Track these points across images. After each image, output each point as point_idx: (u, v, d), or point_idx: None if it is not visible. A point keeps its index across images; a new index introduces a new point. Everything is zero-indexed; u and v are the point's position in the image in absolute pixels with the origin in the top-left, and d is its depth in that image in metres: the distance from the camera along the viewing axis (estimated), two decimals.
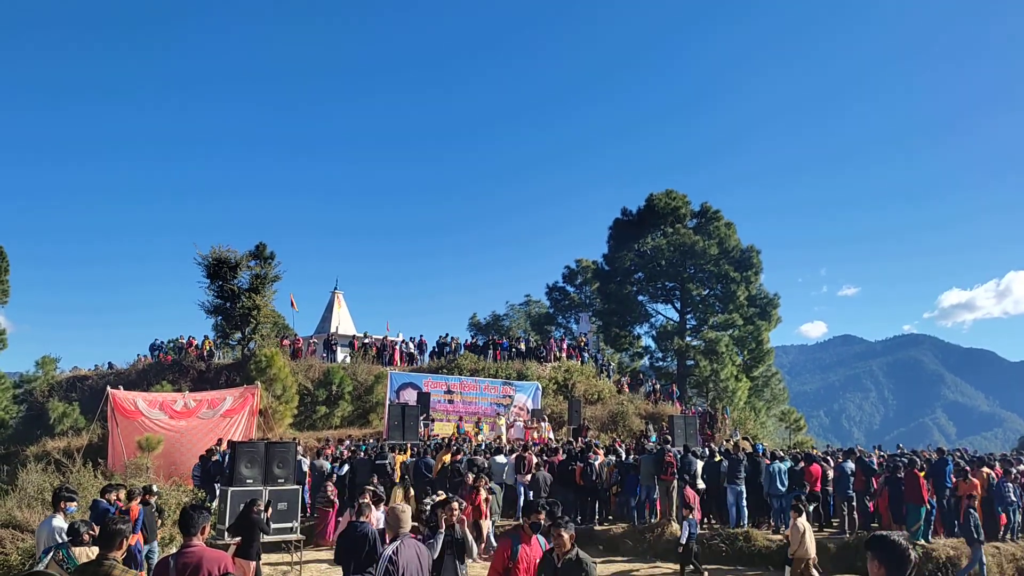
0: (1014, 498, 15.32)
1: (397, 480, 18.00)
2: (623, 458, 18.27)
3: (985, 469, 15.97)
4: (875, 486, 15.83)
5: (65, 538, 7.50)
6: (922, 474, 14.74)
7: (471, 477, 15.30)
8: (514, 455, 18.70)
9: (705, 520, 17.17)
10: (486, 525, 14.81)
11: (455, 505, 7.80)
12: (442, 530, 7.61)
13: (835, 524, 16.38)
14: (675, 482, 16.63)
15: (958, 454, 20.87)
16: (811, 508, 15.40)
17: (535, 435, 25.87)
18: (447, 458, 18.04)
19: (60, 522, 8.34)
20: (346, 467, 18.61)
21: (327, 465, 18.63)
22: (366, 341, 37.24)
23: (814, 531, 15.71)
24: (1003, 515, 15.27)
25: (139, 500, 11.23)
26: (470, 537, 7.93)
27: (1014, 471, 16.18)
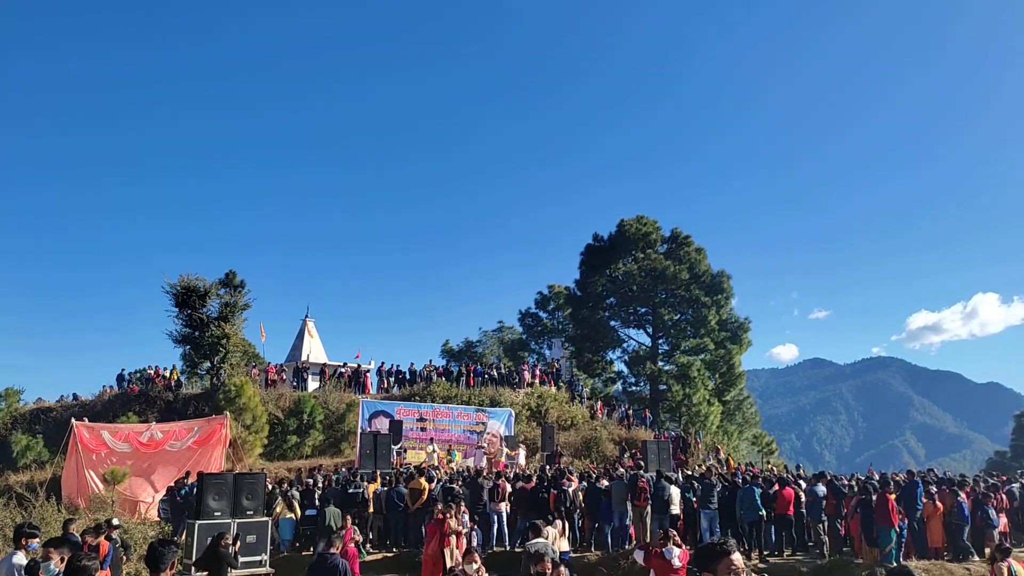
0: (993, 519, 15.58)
1: (371, 511, 17.81)
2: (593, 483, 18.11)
3: (959, 491, 16.17)
4: (846, 509, 15.95)
5: None
6: (893, 496, 14.88)
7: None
8: (488, 482, 18.53)
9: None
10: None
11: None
12: None
13: (810, 547, 16.44)
14: (648, 508, 16.61)
15: (927, 476, 21.08)
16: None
17: (500, 459, 25.59)
18: (424, 482, 17.83)
19: (21, 559, 8.16)
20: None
21: (297, 495, 18.38)
22: (339, 369, 36.97)
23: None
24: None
25: (104, 535, 10.98)
26: None
27: (992, 494, 16.45)
